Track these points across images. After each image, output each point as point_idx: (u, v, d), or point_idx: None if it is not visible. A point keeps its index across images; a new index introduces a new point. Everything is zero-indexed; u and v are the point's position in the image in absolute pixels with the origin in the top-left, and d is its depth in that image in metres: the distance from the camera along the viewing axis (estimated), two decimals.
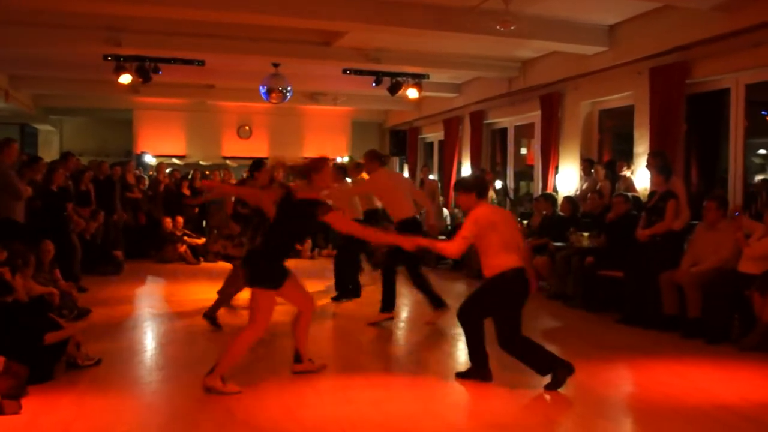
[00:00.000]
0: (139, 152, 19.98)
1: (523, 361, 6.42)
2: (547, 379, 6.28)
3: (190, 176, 17.60)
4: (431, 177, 18.33)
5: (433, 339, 8.55)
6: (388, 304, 9.24)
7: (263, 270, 6.25)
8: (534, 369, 6.37)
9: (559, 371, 6.26)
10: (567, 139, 13.58)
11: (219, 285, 12.41)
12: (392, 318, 9.32)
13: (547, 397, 6.24)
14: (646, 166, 10.06)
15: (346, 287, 10.99)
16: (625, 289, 9.49)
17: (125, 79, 13.79)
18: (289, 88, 14.95)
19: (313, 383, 6.41)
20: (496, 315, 6.43)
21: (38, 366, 6.17)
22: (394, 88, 15.15)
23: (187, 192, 17.03)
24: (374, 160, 9.52)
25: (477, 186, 6.65)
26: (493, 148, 17.29)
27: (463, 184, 6.74)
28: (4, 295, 6.47)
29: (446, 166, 18.18)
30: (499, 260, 6.36)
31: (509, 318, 6.38)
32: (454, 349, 8.06)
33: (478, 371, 6.57)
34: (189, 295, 11.38)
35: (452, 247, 6.44)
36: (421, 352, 8.16)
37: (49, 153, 20.41)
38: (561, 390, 6.23)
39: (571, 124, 13.46)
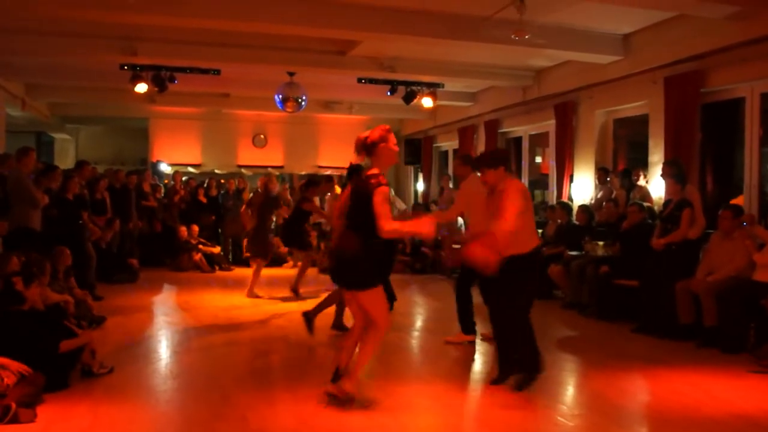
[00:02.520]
0: (154, 161, 20.06)
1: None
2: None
3: (205, 184, 17.69)
4: (451, 185, 18.31)
5: (448, 348, 8.51)
6: (467, 325, 8.70)
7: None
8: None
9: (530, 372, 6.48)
10: (582, 148, 13.55)
11: (233, 293, 12.49)
12: (473, 341, 8.69)
13: (563, 407, 6.23)
14: (662, 175, 10.02)
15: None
16: (641, 298, 9.47)
17: (141, 88, 13.86)
18: (304, 97, 14.97)
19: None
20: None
21: (53, 374, 6.21)
22: (408, 97, 15.17)
23: (203, 200, 17.14)
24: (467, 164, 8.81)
25: (503, 159, 6.47)
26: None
27: (488, 160, 6.45)
28: (16, 304, 6.50)
29: None
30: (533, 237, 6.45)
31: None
32: (470, 359, 8.05)
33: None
34: (203, 304, 11.41)
35: (507, 225, 6.06)
36: (437, 361, 8.13)
37: (65, 161, 20.54)
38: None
39: (586, 133, 13.44)
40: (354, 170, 8.20)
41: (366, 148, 5.99)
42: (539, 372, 6.52)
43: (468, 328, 8.64)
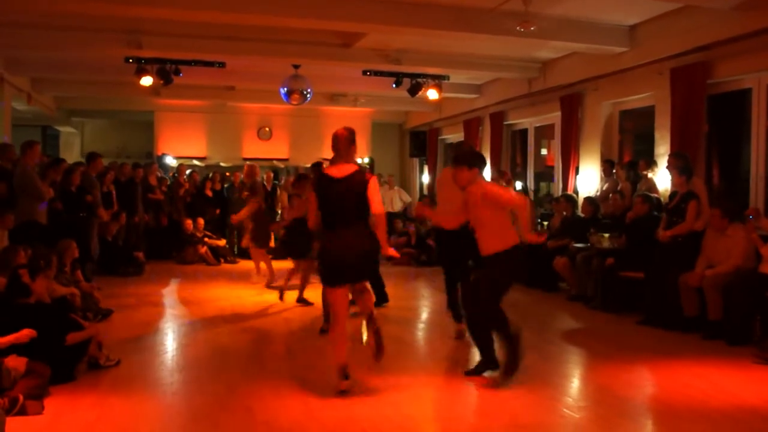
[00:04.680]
0: (159, 154, 20.05)
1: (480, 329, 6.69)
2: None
3: (210, 177, 17.71)
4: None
5: (452, 341, 8.50)
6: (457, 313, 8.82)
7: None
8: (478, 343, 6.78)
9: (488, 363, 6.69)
10: (587, 140, 13.53)
11: (238, 286, 12.53)
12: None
13: (569, 399, 6.23)
14: (667, 167, 10.00)
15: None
16: (646, 290, 9.45)
17: (146, 81, 13.86)
18: (309, 90, 14.95)
19: (334, 384, 6.41)
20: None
21: (60, 366, 6.23)
22: (414, 90, 15.15)
23: (209, 194, 17.15)
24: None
25: (480, 160, 6.78)
26: (513, 149, 17.24)
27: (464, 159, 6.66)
28: (23, 297, 6.52)
29: None
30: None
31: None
32: (474, 350, 8.04)
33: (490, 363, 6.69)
34: (209, 296, 11.43)
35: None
36: (441, 353, 8.15)
37: (70, 155, 20.56)
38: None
39: (592, 125, 13.41)
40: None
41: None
42: (519, 358, 6.51)
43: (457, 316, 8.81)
